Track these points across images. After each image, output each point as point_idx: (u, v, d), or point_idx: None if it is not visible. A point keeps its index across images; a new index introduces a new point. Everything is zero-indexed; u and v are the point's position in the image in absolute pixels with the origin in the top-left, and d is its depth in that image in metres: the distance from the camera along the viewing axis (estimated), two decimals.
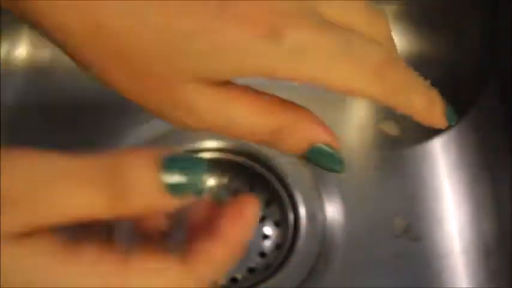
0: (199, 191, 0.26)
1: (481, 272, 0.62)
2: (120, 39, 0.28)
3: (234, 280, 0.62)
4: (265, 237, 0.64)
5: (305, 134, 0.30)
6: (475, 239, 0.63)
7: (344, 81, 0.29)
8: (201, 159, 0.26)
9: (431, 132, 0.68)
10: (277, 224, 0.65)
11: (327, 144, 0.30)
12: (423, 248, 0.63)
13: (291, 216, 0.64)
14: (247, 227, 0.29)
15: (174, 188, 0.25)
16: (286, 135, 0.30)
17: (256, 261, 0.63)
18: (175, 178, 0.25)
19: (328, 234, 0.63)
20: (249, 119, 0.30)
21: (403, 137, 0.68)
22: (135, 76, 0.29)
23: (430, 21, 0.71)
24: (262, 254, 0.63)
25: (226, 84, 0.30)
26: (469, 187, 0.65)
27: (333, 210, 0.64)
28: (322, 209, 0.64)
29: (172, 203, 0.25)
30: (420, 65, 0.71)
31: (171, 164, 0.25)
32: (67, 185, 0.24)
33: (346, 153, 0.68)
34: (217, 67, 0.28)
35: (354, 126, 0.69)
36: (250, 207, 0.28)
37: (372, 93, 0.29)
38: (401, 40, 0.71)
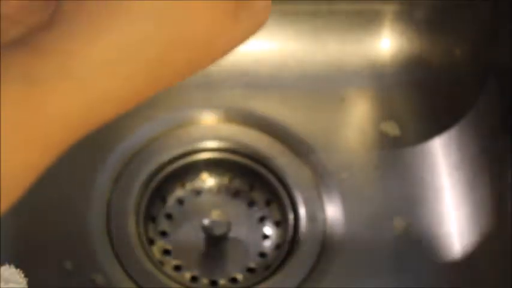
0: None
1: (481, 272, 0.62)
2: None
3: (234, 280, 0.62)
4: (265, 237, 0.64)
5: None
6: (475, 239, 0.63)
7: None
8: None
9: (432, 132, 0.68)
10: (277, 224, 0.65)
11: None
12: (423, 248, 0.63)
13: (291, 216, 0.64)
14: None
15: None
16: None
17: (256, 261, 0.63)
18: None
19: (328, 234, 0.63)
20: None
21: (403, 137, 0.68)
22: None
23: (430, 21, 0.71)
24: (262, 254, 0.63)
25: None
26: (469, 187, 0.65)
27: (333, 210, 0.64)
28: (322, 209, 0.64)
29: None
30: (420, 65, 0.71)
31: None
32: None
33: (346, 153, 0.68)
34: None
35: (354, 126, 0.69)
36: None
37: None
38: (401, 40, 0.71)
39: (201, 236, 0.62)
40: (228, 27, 0.33)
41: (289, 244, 0.63)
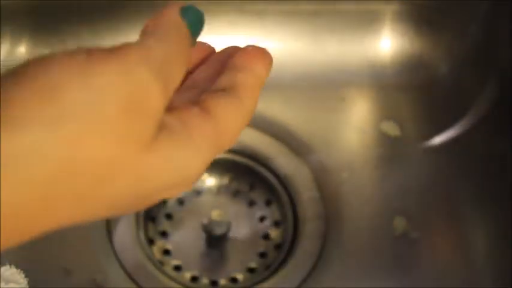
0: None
1: (481, 272, 0.62)
2: None
3: (234, 280, 0.62)
4: (265, 237, 0.64)
5: None
6: (475, 238, 0.63)
7: None
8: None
9: (432, 132, 0.68)
10: (277, 224, 0.65)
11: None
12: (423, 248, 0.63)
13: (291, 216, 0.64)
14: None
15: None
16: None
17: (256, 261, 0.63)
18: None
19: (328, 234, 0.63)
20: None
21: (403, 137, 0.68)
22: None
23: (430, 21, 0.71)
24: (262, 254, 0.63)
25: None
26: (469, 187, 0.65)
27: (333, 210, 0.64)
28: (322, 208, 0.64)
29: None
30: (420, 65, 0.71)
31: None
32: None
33: (346, 153, 0.68)
34: None
35: (354, 126, 0.69)
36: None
37: None
38: (401, 40, 0.72)
39: (201, 236, 0.62)
40: (140, 159, 0.28)
41: (289, 244, 0.63)
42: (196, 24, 0.31)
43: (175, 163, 0.29)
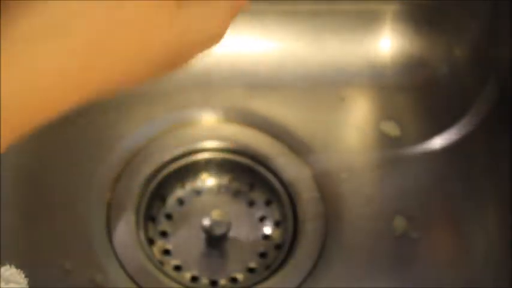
0: None
1: (482, 272, 0.62)
2: None
3: (234, 280, 0.62)
4: (265, 237, 0.64)
5: None
6: (475, 238, 0.63)
7: None
8: None
9: (432, 132, 0.68)
10: (277, 224, 0.65)
11: None
12: (423, 248, 0.63)
13: (291, 216, 0.64)
14: None
15: None
16: None
17: (256, 261, 0.63)
18: None
19: (328, 234, 0.63)
20: None
21: (403, 137, 0.68)
22: None
23: (430, 21, 0.71)
24: (262, 254, 0.63)
25: None
26: (469, 187, 0.65)
27: (333, 210, 0.64)
28: (322, 209, 0.64)
29: None
30: (420, 65, 0.71)
31: None
32: None
33: (346, 153, 0.68)
34: None
35: (354, 126, 0.69)
36: None
37: None
38: (401, 40, 0.71)
39: (201, 236, 0.62)
40: (171, 13, 0.31)
41: (289, 244, 0.63)
42: None
43: (199, 19, 0.32)
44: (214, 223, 0.61)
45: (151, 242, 0.63)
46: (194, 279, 0.62)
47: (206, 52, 0.34)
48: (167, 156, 0.66)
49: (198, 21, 0.32)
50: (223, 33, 0.34)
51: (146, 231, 0.63)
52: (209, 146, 0.67)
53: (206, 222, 0.61)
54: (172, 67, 0.32)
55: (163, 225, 0.64)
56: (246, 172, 0.66)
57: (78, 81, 0.29)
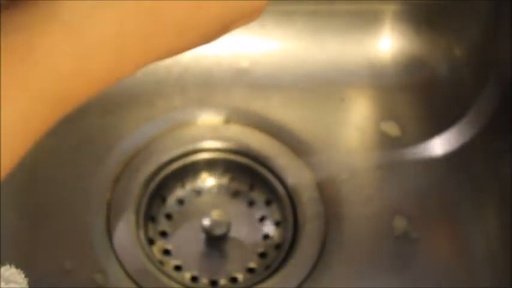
0: None
1: (481, 272, 0.62)
2: None
3: (234, 280, 0.62)
4: (265, 237, 0.64)
5: None
6: (475, 238, 0.63)
7: None
8: None
9: (432, 132, 0.68)
10: (277, 224, 0.65)
11: None
12: (423, 248, 0.63)
13: (291, 216, 0.64)
14: None
15: None
16: None
17: (256, 261, 0.63)
18: None
19: (328, 234, 0.63)
20: None
21: (403, 137, 0.68)
22: None
23: (430, 21, 0.71)
24: (262, 254, 0.63)
25: None
26: (469, 187, 0.65)
27: (333, 210, 0.64)
28: (322, 208, 0.64)
29: None
30: (420, 65, 0.71)
31: None
32: None
33: (346, 153, 0.68)
34: None
35: (354, 127, 0.69)
36: None
37: None
38: (401, 40, 0.71)
39: (201, 236, 0.62)
40: None
41: (289, 244, 0.63)
42: None
43: None
44: (214, 223, 0.61)
45: (151, 242, 0.63)
46: (194, 279, 0.62)
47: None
48: (167, 156, 0.66)
49: None
50: (264, 5, 0.34)
51: (146, 231, 0.63)
52: (209, 146, 0.67)
53: (206, 222, 0.61)
54: (219, 34, 0.33)
55: (163, 225, 0.64)
56: (246, 172, 0.66)
57: (139, 48, 0.29)
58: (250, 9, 0.34)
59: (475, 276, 0.61)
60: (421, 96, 0.70)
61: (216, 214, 0.62)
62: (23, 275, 0.51)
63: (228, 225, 0.62)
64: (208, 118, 0.68)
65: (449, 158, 0.67)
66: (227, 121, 0.68)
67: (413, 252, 0.62)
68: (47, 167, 0.64)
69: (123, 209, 0.63)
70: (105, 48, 0.28)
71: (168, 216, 0.65)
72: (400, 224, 0.64)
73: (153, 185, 0.65)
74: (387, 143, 0.68)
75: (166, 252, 0.63)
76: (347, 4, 0.72)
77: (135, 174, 0.65)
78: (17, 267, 0.52)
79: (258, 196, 0.66)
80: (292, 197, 0.65)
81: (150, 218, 0.64)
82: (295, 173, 0.66)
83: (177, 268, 0.62)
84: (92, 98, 0.30)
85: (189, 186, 0.66)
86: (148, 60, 0.30)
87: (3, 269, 0.51)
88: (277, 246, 0.64)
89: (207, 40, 0.33)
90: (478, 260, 0.62)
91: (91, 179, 0.64)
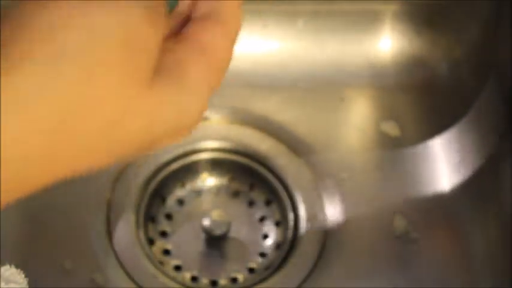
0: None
1: (481, 272, 0.62)
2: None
3: (234, 280, 0.62)
4: (265, 237, 0.64)
5: None
6: (475, 238, 0.63)
7: None
8: None
9: (432, 132, 0.68)
10: (277, 224, 0.65)
11: None
12: (423, 248, 0.63)
13: (291, 216, 0.64)
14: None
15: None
16: None
17: (256, 261, 0.63)
18: None
19: (328, 234, 0.63)
20: None
21: (403, 137, 0.68)
22: None
23: (430, 21, 0.71)
24: (262, 254, 0.63)
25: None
26: (470, 187, 0.65)
27: (333, 210, 0.64)
28: (322, 209, 0.64)
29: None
30: (420, 65, 0.71)
31: None
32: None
33: (346, 153, 0.68)
34: None
35: (354, 126, 0.69)
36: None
37: None
38: (401, 40, 0.71)
39: (201, 236, 0.62)
40: (142, 100, 0.27)
41: (289, 244, 0.63)
42: None
43: (174, 107, 0.28)
44: (214, 223, 0.61)
45: (151, 242, 0.63)
46: (194, 279, 0.62)
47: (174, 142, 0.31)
48: (167, 156, 0.66)
49: (171, 110, 0.28)
50: (198, 122, 0.30)
51: (146, 231, 0.63)
52: (209, 146, 0.67)
53: (206, 222, 0.61)
54: (138, 153, 0.29)
55: (163, 225, 0.64)
56: (246, 172, 0.67)
57: (39, 167, 0.26)
58: (176, 128, 0.29)
59: (475, 276, 0.61)
60: (421, 96, 0.70)
61: (216, 214, 0.62)
62: (23, 275, 0.51)
63: (228, 225, 0.62)
64: (209, 118, 0.68)
65: (449, 158, 0.67)
66: (227, 121, 0.68)
67: (413, 252, 0.62)
68: None
69: (123, 209, 0.63)
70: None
71: (168, 216, 0.65)
72: (400, 224, 0.64)
73: (153, 185, 0.65)
74: (387, 143, 0.68)
75: (166, 252, 0.63)
76: (347, 4, 0.72)
77: (135, 174, 0.65)
78: (17, 267, 0.52)
79: (258, 196, 0.66)
80: (292, 197, 0.65)
81: (150, 218, 0.64)
82: (295, 173, 0.66)
83: (177, 268, 0.62)
84: None
85: (189, 186, 0.66)
86: (52, 178, 0.27)
87: (3, 269, 0.51)
88: (277, 246, 0.64)
89: (126, 157, 0.29)
90: (478, 260, 0.62)
91: (91, 179, 0.64)
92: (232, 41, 0.31)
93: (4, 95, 0.24)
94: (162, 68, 0.28)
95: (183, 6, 0.32)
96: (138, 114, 0.27)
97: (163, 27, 0.29)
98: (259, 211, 0.66)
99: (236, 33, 0.32)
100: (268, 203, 0.66)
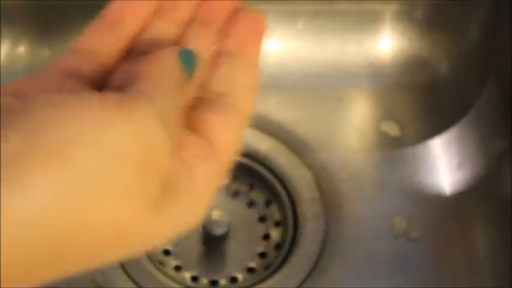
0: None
1: (481, 272, 0.62)
2: None
3: (234, 280, 0.62)
4: (265, 237, 0.64)
5: None
6: (475, 238, 0.63)
7: None
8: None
9: (432, 132, 0.68)
10: (277, 224, 0.65)
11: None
12: (423, 248, 0.63)
13: (291, 216, 0.64)
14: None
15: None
16: None
17: (256, 261, 0.63)
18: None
19: (328, 234, 0.63)
20: None
21: (403, 137, 0.68)
22: None
23: (430, 21, 0.71)
24: (262, 254, 0.63)
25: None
26: (470, 187, 0.65)
27: (333, 210, 0.64)
28: (322, 209, 0.64)
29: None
30: (420, 65, 0.71)
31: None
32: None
33: (346, 153, 0.68)
34: None
35: (354, 127, 0.69)
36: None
37: None
38: (401, 40, 0.71)
39: (201, 236, 0.62)
40: (149, 220, 0.27)
41: (289, 244, 0.63)
42: (191, 66, 0.30)
43: (181, 218, 0.28)
44: (214, 223, 0.61)
45: None
46: (194, 279, 0.62)
47: None
48: None
49: (178, 224, 0.28)
50: (199, 221, 0.29)
51: None
52: None
53: (206, 222, 0.61)
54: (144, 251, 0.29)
55: None
56: (246, 172, 0.66)
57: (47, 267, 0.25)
58: (183, 231, 0.28)
59: (475, 276, 0.61)
60: (421, 96, 0.70)
61: (216, 214, 0.61)
62: None
63: (228, 225, 0.62)
64: None
65: (449, 158, 0.67)
66: None
67: (413, 252, 0.62)
68: None
69: None
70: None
71: None
72: (400, 224, 0.64)
73: None
74: (387, 143, 0.68)
75: (166, 252, 0.63)
76: (347, 4, 0.72)
77: None
78: None
79: (258, 196, 0.66)
80: (292, 197, 0.65)
81: None
82: (295, 173, 0.66)
83: (177, 268, 0.62)
84: None
85: None
86: (50, 280, 0.26)
87: None
88: (277, 246, 0.64)
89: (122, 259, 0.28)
90: (478, 260, 0.62)
91: None
92: (241, 129, 0.31)
93: (5, 216, 0.23)
94: (171, 179, 0.27)
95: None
96: (138, 235, 0.27)
97: (176, 135, 0.28)
98: (259, 211, 0.66)
99: (247, 121, 0.31)
100: (268, 203, 0.66)
